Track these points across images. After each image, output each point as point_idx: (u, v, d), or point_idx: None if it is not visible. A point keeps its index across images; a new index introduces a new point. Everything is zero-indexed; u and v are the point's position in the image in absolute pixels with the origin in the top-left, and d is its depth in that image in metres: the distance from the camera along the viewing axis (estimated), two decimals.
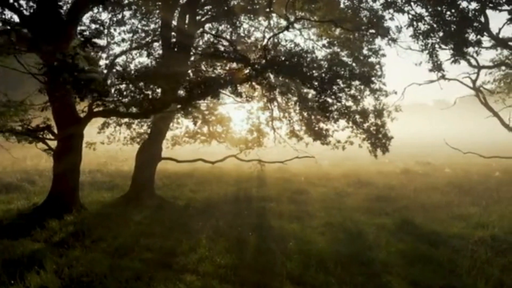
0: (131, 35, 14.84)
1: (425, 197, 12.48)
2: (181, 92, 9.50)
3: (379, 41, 13.64)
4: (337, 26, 10.93)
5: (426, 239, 8.04)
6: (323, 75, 8.01)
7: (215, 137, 16.92)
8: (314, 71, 7.86)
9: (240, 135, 17.02)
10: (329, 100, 8.41)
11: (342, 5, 11.59)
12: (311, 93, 12.55)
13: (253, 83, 8.08)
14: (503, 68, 17.20)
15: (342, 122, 12.48)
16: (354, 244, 7.75)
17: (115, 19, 15.00)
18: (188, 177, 17.37)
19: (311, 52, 9.92)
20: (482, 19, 11.31)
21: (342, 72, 8.82)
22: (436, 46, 9.46)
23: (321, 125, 13.76)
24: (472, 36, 8.91)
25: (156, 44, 13.12)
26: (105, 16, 14.56)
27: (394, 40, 13.11)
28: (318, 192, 14.09)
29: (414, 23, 9.28)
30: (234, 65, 8.24)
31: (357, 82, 9.87)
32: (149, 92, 8.65)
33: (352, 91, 12.54)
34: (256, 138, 16.50)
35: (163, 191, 14.05)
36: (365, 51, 13.89)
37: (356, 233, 8.63)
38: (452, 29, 8.82)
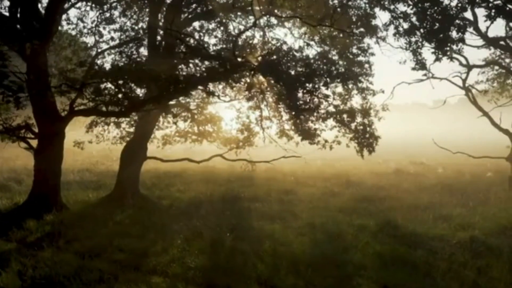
0: (118, 33, 14.77)
1: (412, 198, 12.33)
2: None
3: (367, 40, 13.36)
4: (305, 23, 10.79)
5: (405, 241, 7.91)
6: (296, 73, 7.87)
7: (205, 137, 16.80)
8: (289, 69, 7.72)
9: (230, 134, 16.89)
10: (300, 98, 8.24)
11: (330, 3, 11.42)
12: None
13: (230, 81, 7.96)
14: (496, 67, 17.02)
15: (330, 122, 12.42)
16: (331, 245, 7.61)
17: (103, 17, 14.95)
18: (178, 177, 17.27)
19: (290, 50, 9.80)
20: (471, 16, 11.19)
21: (324, 69, 8.66)
22: (419, 44, 9.30)
23: (310, 124, 13.62)
24: (454, 34, 8.76)
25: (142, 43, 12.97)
26: (92, 14, 14.33)
27: (383, 39, 12.98)
28: (306, 192, 13.95)
29: (395, 21, 9.14)
30: (207, 63, 8.13)
31: (333, 81, 9.66)
32: (127, 91, 8.53)
33: (339, 89, 12.48)
34: (246, 138, 16.37)
35: (151, 191, 13.95)
36: (354, 50, 13.73)
37: (336, 234, 8.49)
38: (435, 26, 8.66)
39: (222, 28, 15.75)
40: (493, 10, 8.12)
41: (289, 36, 15.93)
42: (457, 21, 8.62)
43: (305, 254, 7.03)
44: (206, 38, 15.91)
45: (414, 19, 9.09)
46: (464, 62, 14.10)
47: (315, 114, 9.99)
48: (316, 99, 9.29)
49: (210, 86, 8.76)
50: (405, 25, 9.20)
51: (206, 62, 8.25)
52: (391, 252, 7.19)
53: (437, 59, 9.24)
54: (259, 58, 7.64)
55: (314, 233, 8.61)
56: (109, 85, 8.78)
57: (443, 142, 16.84)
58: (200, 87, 7.93)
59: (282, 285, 5.81)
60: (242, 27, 15.75)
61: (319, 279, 5.99)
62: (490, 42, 12.44)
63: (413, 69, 10.36)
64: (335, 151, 13.68)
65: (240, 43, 14.63)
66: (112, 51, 12.11)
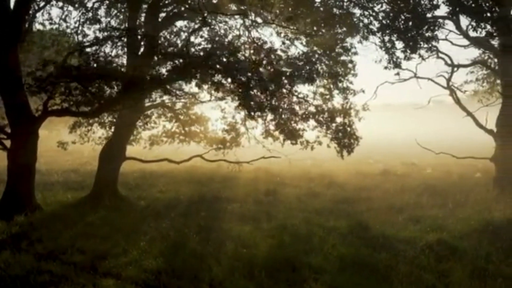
0: (104, 33, 14.69)
1: (392, 199, 12.17)
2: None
3: (349, 39, 13.20)
4: (252, 20, 10.70)
5: (372, 243, 7.78)
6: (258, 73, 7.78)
7: (190, 137, 16.72)
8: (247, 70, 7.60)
9: (216, 134, 16.79)
10: (256, 97, 8.11)
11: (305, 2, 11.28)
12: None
13: (196, 81, 7.88)
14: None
15: (312, 122, 12.35)
16: (296, 248, 7.48)
17: (86, 17, 14.92)
18: (163, 177, 17.20)
19: (270, 50, 9.71)
20: (454, 16, 10.98)
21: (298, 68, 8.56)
22: (392, 42, 9.15)
23: (293, 124, 13.51)
24: (427, 32, 8.58)
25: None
26: (75, 14, 14.30)
27: (365, 38, 12.83)
28: (288, 193, 13.83)
29: (366, 19, 9.01)
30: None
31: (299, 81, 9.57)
32: (95, 90, 8.45)
33: (318, 89, 12.41)
34: (233, 138, 16.27)
35: (133, 191, 13.86)
36: (337, 49, 13.60)
37: (304, 236, 8.37)
38: (408, 25, 8.52)
39: (208, 28, 15.74)
40: (456, 8, 7.93)
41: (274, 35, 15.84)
42: (429, 20, 8.47)
43: (265, 257, 6.91)
44: (192, 38, 15.97)
45: (384, 16, 8.92)
46: (449, 61, 13.91)
47: (281, 113, 9.93)
48: (275, 99, 9.18)
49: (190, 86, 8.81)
50: (377, 24, 9.07)
51: (171, 62, 8.17)
52: (354, 255, 7.06)
53: (407, 58, 9.11)
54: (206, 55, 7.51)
55: (283, 235, 8.46)
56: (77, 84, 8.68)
57: (438, 142, 16.60)
58: (163, 86, 7.81)
59: None
60: (227, 27, 15.75)
61: (271, 283, 5.88)
62: (473, 41, 12.26)
63: (385, 68, 10.23)
64: (325, 151, 13.51)
65: (225, 43, 14.57)
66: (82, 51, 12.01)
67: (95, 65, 7.89)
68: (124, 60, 11.81)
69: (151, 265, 6.53)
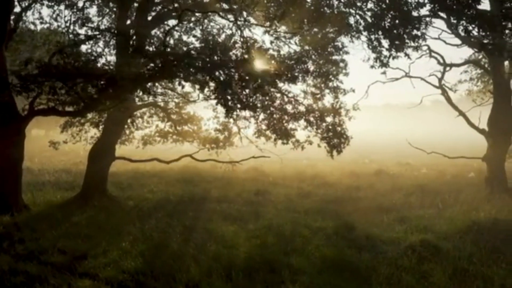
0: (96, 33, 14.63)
1: (382, 199, 12.10)
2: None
3: (340, 38, 13.11)
4: (223, 18, 10.64)
5: (356, 244, 7.72)
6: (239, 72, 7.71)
7: (184, 137, 16.66)
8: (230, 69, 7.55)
9: (209, 134, 16.72)
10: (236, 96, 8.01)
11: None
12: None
13: (177, 80, 7.81)
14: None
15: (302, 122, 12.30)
16: (278, 248, 7.42)
17: (76, 16, 14.86)
18: (155, 177, 17.12)
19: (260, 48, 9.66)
20: (440, 13, 10.87)
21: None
22: (379, 41, 9.06)
23: (284, 124, 13.44)
24: (413, 31, 8.49)
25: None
26: (66, 12, 14.21)
27: (357, 37, 12.74)
28: (279, 193, 13.76)
29: (353, 18, 8.93)
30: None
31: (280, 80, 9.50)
32: (79, 90, 8.39)
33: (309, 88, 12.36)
34: (226, 138, 16.21)
35: (124, 191, 13.81)
36: (329, 49, 13.52)
37: (289, 236, 8.30)
38: (395, 22, 8.42)
39: (201, 27, 15.70)
40: (437, 5, 7.83)
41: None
42: (415, 18, 8.37)
43: (245, 257, 6.85)
44: (184, 37, 15.91)
45: (371, 15, 8.83)
46: (441, 60, 13.84)
47: (271, 112, 9.86)
48: (257, 98, 9.11)
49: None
50: (363, 23, 8.97)
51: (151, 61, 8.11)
52: (337, 256, 6.99)
53: (392, 57, 9.03)
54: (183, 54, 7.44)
55: (267, 235, 8.39)
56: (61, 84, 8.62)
57: (436, 142, 16.40)
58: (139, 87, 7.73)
59: None
60: (218, 26, 15.70)
61: (248, 284, 5.81)
62: (464, 40, 12.18)
63: (372, 67, 10.16)
64: (320, 151, 13.42)
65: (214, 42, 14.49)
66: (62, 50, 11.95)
67: (75, 64, 7.82)
68: (109, 59, 11.85)
69: (129, 266, 6.48)
